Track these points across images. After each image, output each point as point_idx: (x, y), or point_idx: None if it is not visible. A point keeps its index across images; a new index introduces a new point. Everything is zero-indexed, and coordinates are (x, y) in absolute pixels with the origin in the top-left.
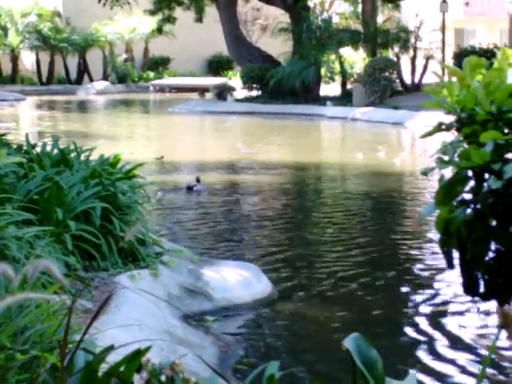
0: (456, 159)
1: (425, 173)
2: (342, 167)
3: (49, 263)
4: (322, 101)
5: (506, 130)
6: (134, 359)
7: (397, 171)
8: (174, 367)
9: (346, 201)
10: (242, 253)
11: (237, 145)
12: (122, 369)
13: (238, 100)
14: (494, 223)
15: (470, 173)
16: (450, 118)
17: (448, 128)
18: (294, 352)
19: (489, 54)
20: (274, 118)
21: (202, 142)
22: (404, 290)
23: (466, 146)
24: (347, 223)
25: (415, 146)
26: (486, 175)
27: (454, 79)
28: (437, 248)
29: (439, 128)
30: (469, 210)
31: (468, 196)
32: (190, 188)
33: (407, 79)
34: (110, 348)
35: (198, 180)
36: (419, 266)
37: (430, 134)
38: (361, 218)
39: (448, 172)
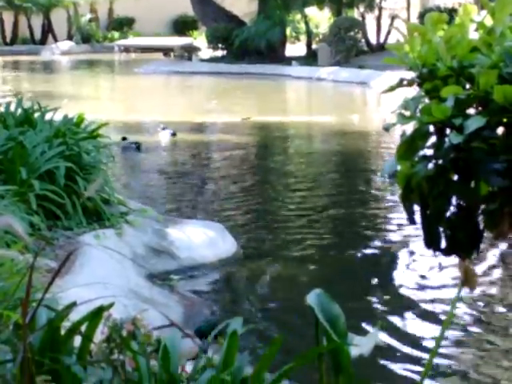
0: (418, 114)
1: (387, 128)
2: (308, 126)
3: (10, 219)
4: (287, 61)
5: (467, 85)
6: (97, 316)
7: (361, 130)
8: (136, 322)
9: (311, 159)
10: (207, 212)
11: (201, 105)
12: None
13: (203, 60)
14: (455, 178)
15: (431, 128)
16: (412, 75)
17: (409, 83)
18: (258, 309)
19: (454, 14)
20: (239, 78)
21: (166, 102)
22: (369, 247)
23: (427, 101)
24: (313, 181)
25: (380, 105)
26: (448, 130)
27: (416, 35)
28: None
29: (401, 83)
30: (430, 165)
31: (429, 151)
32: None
33: (372, 39)
34: (73, 305)
35: (124, 138)
36: (384, 222)
37: (392, 89)
38: (327, 175)
39: (410, 127)
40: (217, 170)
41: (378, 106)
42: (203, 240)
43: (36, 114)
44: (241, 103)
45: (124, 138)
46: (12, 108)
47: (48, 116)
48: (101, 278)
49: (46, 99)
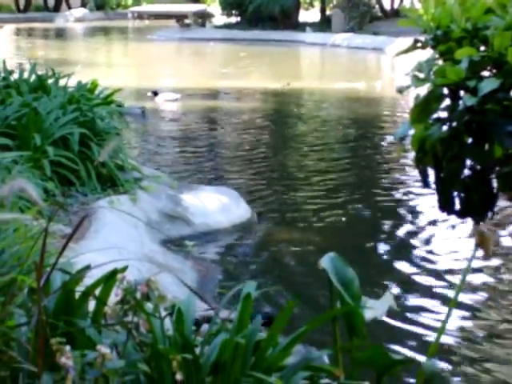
0: (431, 77)
1: (400, 91)
2: (323, 93)
3: (24, 183)
4: (301, 27)
5: (481, 47)
6: (111, 279)
7: (377, 96)
8: (150, 284)
9: (325, 126)
10: (221, 178)
11: (215, 71)
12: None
13: (216, 27)
14: (469, 141)
15: (445, 90)
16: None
17: (423, 45)
18: (272, 274)
19: None
20: (252, 44)
21: (180, 68)
22: (386, 212)
23: (441, 63)
24: (327, 148)
25: (395, 71)
26: (462, 93)
27: None
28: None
29: (415, 45)
30: (444, 128)
31: (443, 114)
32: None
33: (387, 5)
34: (87, 268)
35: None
36: (399, 186)
37: (406, 51)
38: (341, 143)
39: (423, 90)
40: (230, 136)
41: (392, 71)
42: (217, 206)
43: (50, 81)
44: (255, 70)
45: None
46: (26, 75)
47: (62, 82)
48: (115, 243)
49: (60, 66)
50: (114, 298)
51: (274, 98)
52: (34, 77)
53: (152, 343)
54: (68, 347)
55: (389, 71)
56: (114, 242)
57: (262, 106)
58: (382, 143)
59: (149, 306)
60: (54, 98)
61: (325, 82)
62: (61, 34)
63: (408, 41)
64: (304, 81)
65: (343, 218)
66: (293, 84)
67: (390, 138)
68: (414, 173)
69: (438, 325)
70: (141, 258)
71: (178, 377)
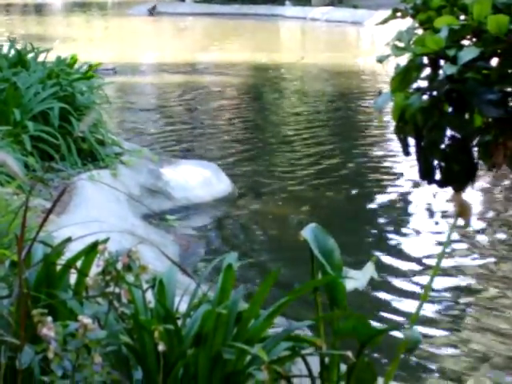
0: (411, 46)
1: (380, 60)
2: (303, 67)
3: (4, 156)
4: (280, 0)
5: (461, 16)
6: (92, 251)
7: (357, 68)
8: (131, 255)
9: (306, 99)
10: (202, 152)
11: (195, 46)
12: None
13: (196, 1)
14: (449, 110)
15: (425, 60)
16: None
17: (403, 14)
18: (254, 248)
19: None
20: (232, 18)
21: (160, 43)
22: (366, 186)
23: (421, 32)
24: (308, 121)
25: (374, 45)
26: (442, 62)
27: None
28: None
29: (394, 15)
30: (425, 97)
31: (424, 83)
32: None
33: None
34: (68, 240)
35: None
36: (378, 155)
37: (385, 21)
38: (322, 115)
39: (403, 60)
40: (210, 111)
41: (372, 45)
42: (198, 180)
43: (29, 56)
44: (235, 44)
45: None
46: (5, 50)
47: (41, 57)
48: (96, 217)
49: (39, 41)
50: (95, 270)
51: (254, 73)
52: (13, 52)
53: (133, 314)
54: (49, 318)
55: (369, 44)
56: (95, 216)
57: (242, 80)
58: (364, 113)
59: (130, 279)
60: (34, 72)
61: (305, 55)
62: (40, 9)
63: (387, 14)
64: (283, 55)
65: (326, 193)
66: (274, 58)
67: (370, 109)
68: (395, 142)
69: (420, 294)
70: (122, 232)
71: (160, 347)
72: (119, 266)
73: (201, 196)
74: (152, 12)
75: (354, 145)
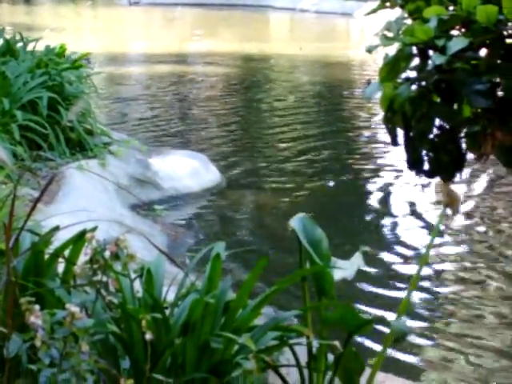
0: (400, 36)
1: (369, 50)
2: (292, 58)
3: None
4: None
5: (450, 6)
6: (80, 240)
7: (346, 59)
8: (119, 243)
9: (296, 90)
10: (191, 143)
11: (184, 36)
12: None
13: None
14: (438, 100)
15: (414, 50)
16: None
17: (392, 4)
18: (242, 238)
19: None
20: (221, 9)
21: (149, 33)
22: (354, 175)
23: (410, 22)
24: (297, 112)
25: (364, 36)
26: (431, 52)
27: None
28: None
29: (383, 4)
30: (413, 87)
31: (413, 73)
32: None
33: None
34: (56, 229)
35: None
36: (367, 146)
37: (374, 10)
38: (311, 105)
39: (392, 50)
40: (198, 101)
41: (361, 36)
42: (187, 170)
43: (18, 45)
44: (224, 35)
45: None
46: None
47: (30, 47)
48: (84, 207)
49: (28, 31)
50: (83, 258)
51: (244, 63)
52: (1, 41)
53: (121, 303)
54: (37, 306)
55: (358, 35)
56: (83, 205)
57: (232, 70)
58: (352, 104)
59: (118, 268)
60: (23, 62)
61: (294, 46)
62: None
63: (377, 4)
64: (272, 45)
65: (315, 183)
66: (263, 48)
67: (359, 99)
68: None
69: (407, 285)
70: (110, 222)
71: (148, 336)
72: (107, 254)
73: (189, 186)
74: (131, 2)
75: (343, 136)
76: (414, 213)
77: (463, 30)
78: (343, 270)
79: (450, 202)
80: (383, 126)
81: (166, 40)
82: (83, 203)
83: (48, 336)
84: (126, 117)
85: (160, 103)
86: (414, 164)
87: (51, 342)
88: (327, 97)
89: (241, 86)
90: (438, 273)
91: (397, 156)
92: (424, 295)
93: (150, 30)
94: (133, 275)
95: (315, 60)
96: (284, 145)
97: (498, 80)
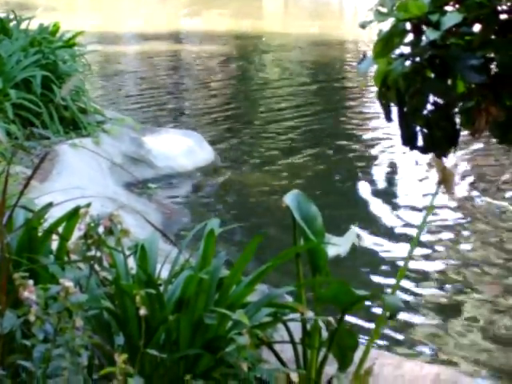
0: (394, 11)
1: (363, 26)
2: (286, 37)
3: None
4: None
5: None
6: (74, 216)
7: (340, 39)
8: (113, 218)
9: (290, 68)
10: (185, 121)
11: (178, 14)
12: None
13: None
14: (432, 76)
15: (408, 26)
16: None
17: None
18: (236, 216)
19: None
20: None
21: (143, 11)
22: (347, 153)
23: None
24: (293, 90)
25: (357, 14)
26: (425, 28)
27: None
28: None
29: None
30: (407, 63)
31: (407, 49)
32: None
33: None
34: (49, 205)
35: None
36: (361, 122)
37: None
38: (306, 84)
39: (386, 25)
40: (192, 80)
41: (355, 15)
42: (181, 149)
43: (11, 24)
44: (216, 13)
45: None
46: None
47: (23, 25)
48: (78, 185)
49: (21, 9)
50: (77, 236)
51: (239, 41)
52: None
53: (115, 279)
54: (31, 281)
55: (351, 13)
56: (77, 183)
57: (224, 49)
58: (347, 80)
59: (112, 244)
60: (16, 40)
61: (289, 24)
62: None
63: None
64: (267, 24)
65: (308, 160)
66: (258, 27)
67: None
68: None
69: (401, 263)
70: (104, 200)
71: (142, 312)
72: (101, 230)
73: (183, 165)
74: None
75: (337, 113)
76: (409, 189)
77: (457, 5)
78: (337, 246)
79: (445, 178)
80: (377, 102)
81: (160, 18)
82: (77, 181)
83: (42, 311)
84: (120, 95)
85: (154, 82)
86: (408, 140)
87: (45, 317)
88: (322, 74)
89: (235, 66)
90: (434, 252)
91: (391, 132)
92: (415, 275)
93: (145, 7)
94: (127, 252)
95: (309, 38)
96: (279, 124)
97: (492, 55)
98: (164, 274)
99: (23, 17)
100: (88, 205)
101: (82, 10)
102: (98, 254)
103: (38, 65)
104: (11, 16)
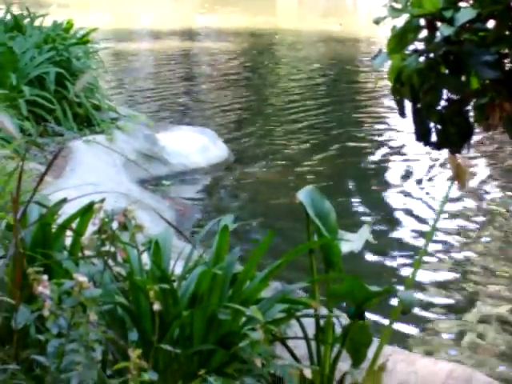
0: (408, 7)
1: (377, 21)
2: (298, 33)
3: (3, 117)
4: None
5: None
6: (88, 212)
7: (354, 35)
8: (127, 214)
9: (304, 65)
10: (199, 118)
11: (191, 11)
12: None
13: None
14: (446, 72)
15: (422, 22)
16: None
17: None
18: (250, 212)
19: None
20: None
21: (157, 8)
22: (362, 151)
23: None
24: (306, 87)
25: (371, 11)
26: (439, 24)
27: None
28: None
29: None
30: (421, 59)
31: (421, 45)
32: None
33: None
34: (64, 201)
35: None
36: (374, 119)
37: None
38: (320, 81)
39: (400, 21)
40: (206, 77)
41: (370, 13)
42: (194, 145)
43: (25, 21)
44: (228, 10)
45: None
46: (1, 14)
47: (37, 22)
48: (92, 182)
49: (35, 6)
50: (90, 231)
51: (253, 38)
52: (9, 17)
53: (129, 274)
54: (45, 276)
55: (366, 10)
56: (91, 180)
57: (238, 46)
58: (360, 76)
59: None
60: (30, 37)
61: (302, 21)
62: None
63: None
64: (281, 21)
65: (322, 157)
66: (272, 24)
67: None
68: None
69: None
70: (118, 196)
71: (156, 307)
72: (115, 225)
73: (197, 162)
74: None
75: (350, 110)
76: (424, 185)
77: (471, 1)
78: (351, 242)
79: (458, 174)
80: (391, 98)
81: (174, 15)
82: (91, 178)
83: (56, 306)
84: (134, 92)
85: (167, 79)
86: (422, 136)
87: (59, 312)
88: (336, 71)
89: (250, 62)
90: (449, 249)
91: (405, 127)
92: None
93: (159, 4)
94: (141, 248)
95: (323, 35)
96: (293, 121)
97: (506, 51)
98: (178, 270)
99: (37, 14)
100: (102, 200)
101: (96, 7)
102: (112, 249)
103: (51, 62)
104: (25, 13)
